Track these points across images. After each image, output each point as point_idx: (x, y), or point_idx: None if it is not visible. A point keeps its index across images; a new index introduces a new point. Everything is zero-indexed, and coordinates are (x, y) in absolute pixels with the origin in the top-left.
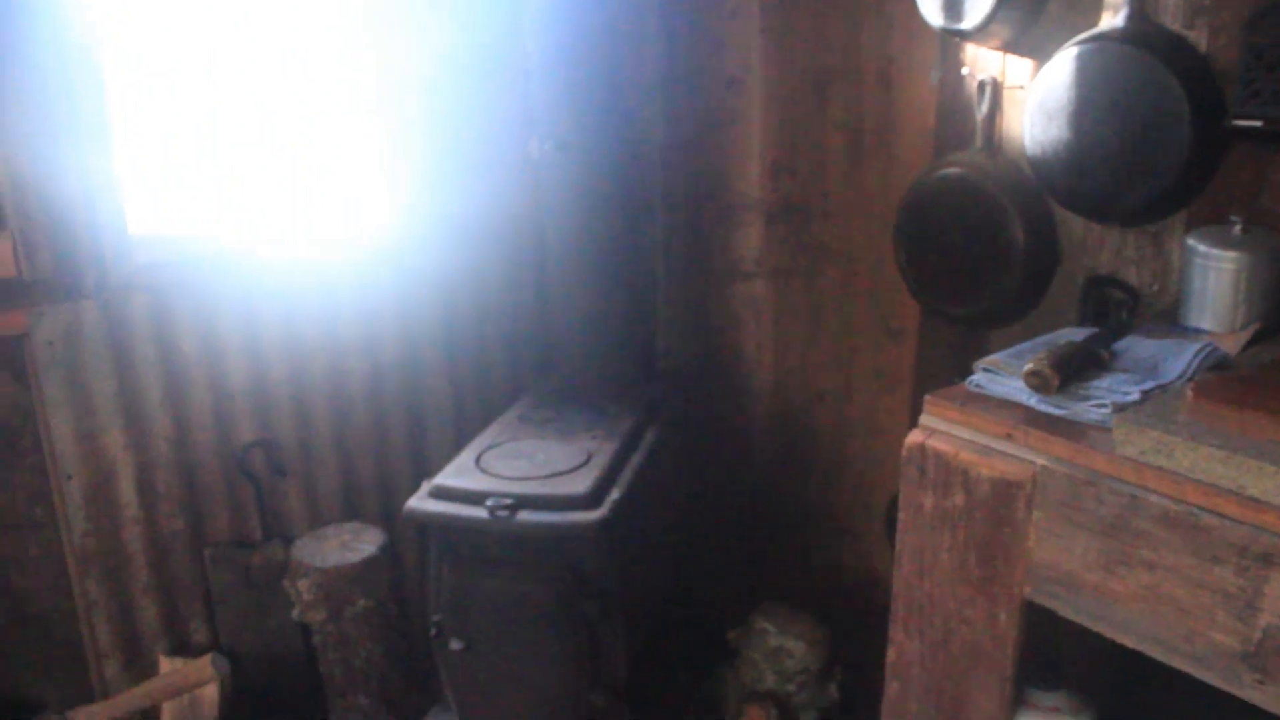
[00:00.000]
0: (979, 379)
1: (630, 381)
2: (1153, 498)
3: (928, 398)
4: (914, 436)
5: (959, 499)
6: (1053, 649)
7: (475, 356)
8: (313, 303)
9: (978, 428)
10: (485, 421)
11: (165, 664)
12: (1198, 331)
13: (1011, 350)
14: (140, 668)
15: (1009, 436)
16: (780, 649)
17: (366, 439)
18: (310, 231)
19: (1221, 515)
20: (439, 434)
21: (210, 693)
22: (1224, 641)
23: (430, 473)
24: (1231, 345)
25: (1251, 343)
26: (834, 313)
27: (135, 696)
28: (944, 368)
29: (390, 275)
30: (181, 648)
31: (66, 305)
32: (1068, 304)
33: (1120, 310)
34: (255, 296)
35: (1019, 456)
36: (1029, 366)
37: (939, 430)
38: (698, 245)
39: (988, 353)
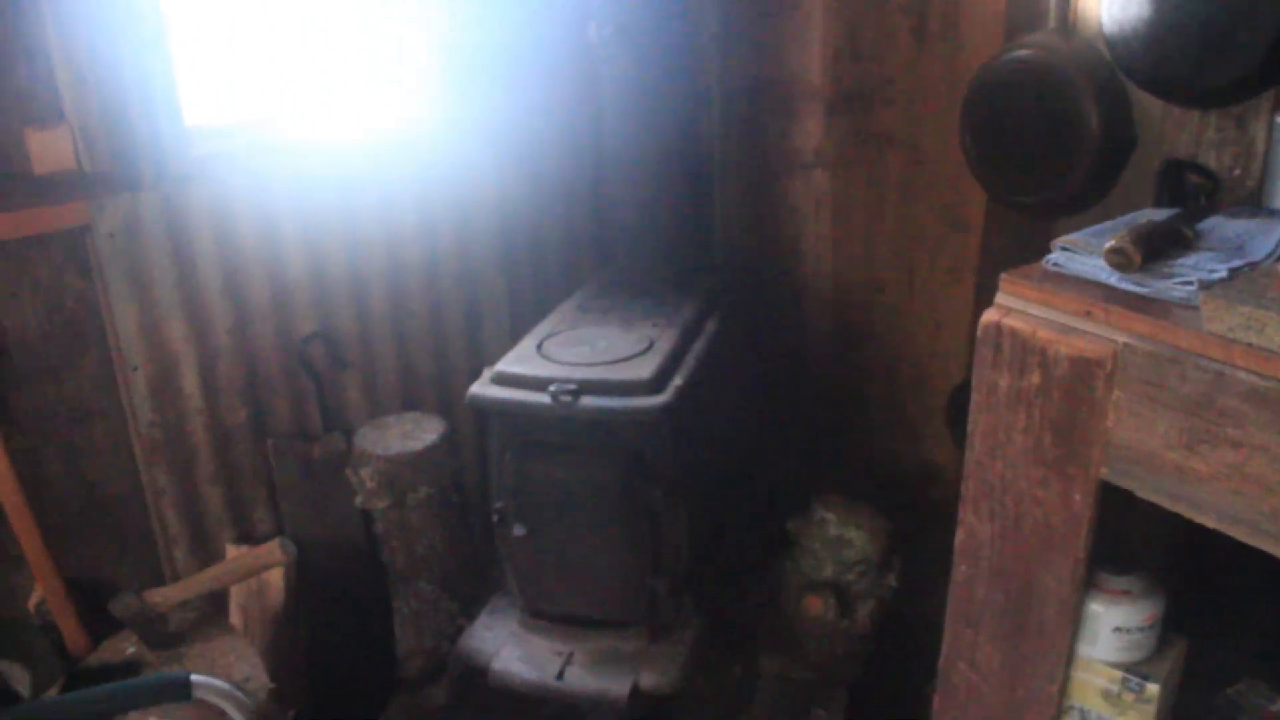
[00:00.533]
0: (1057, 258)
1: (689, 273)
2: (1240, 374)
3: (1004, 276)
4: (989, 315)
5: (1035, 378)
6: (1124, 533)
7: (531, 248)
8: (370, 194)
9: (1056, 306)
10: (541, 314)
11: (231, 551)
12: None
13: (1090, 229)
14: (207, 554)
15: (1089, 314)
16: (840, 538)
17: (424, 331)
18: (366, 121)
19: None
20: (495, 326)
21: (276, 578)
22: None
23: (488, 363)
24: None
25: None
26: (896, 204)
27: (207, 578)
28: (1009, 259)
29: (447, 165)
30: (246, 536)
31: (126, 197)
32: (1142, 190)
33: (1199, 195)
34: (312, 187)
35: (1099, 334)
36: (1110, 243)
37: (1015, 309)
38: (756, 136)
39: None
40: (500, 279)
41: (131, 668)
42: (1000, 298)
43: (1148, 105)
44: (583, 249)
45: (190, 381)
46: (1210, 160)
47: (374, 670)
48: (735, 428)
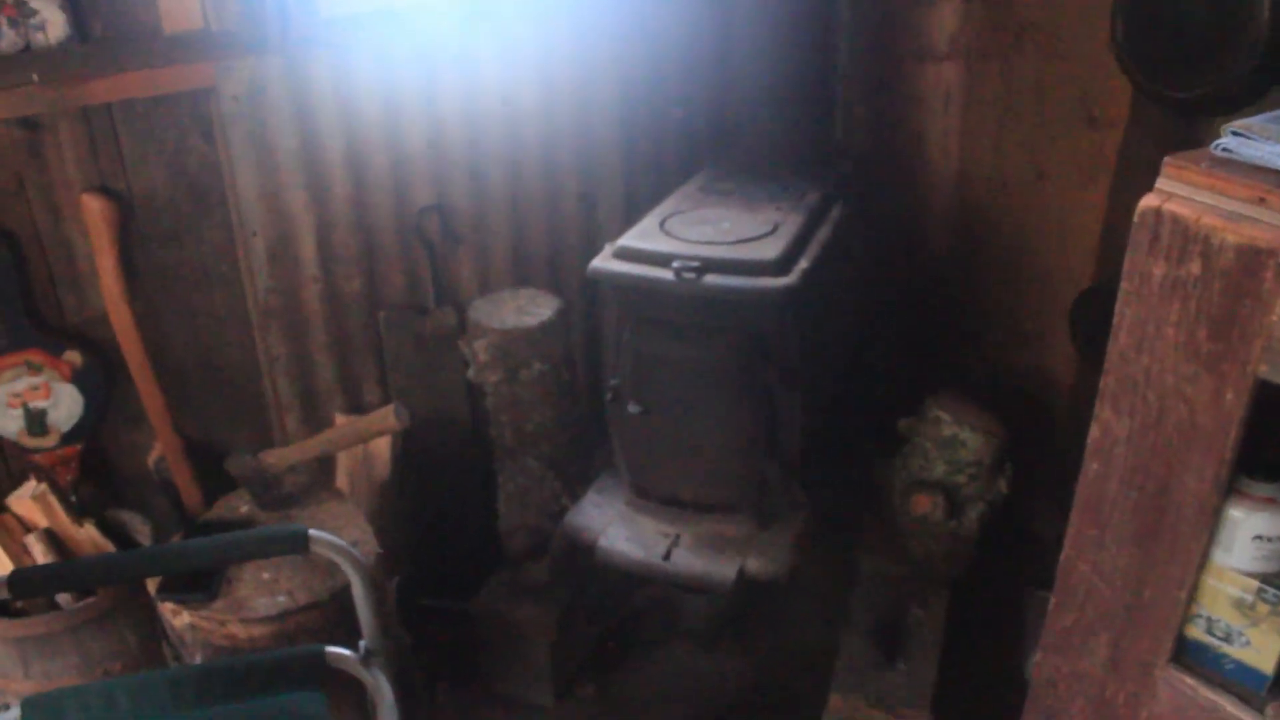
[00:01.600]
0: (1227, 143)
1: (812, 162)
2: None
3: (1167, 159)
4: (1148, 201)
5: (1195, 267)
6: (1271, 440)
7: (649, 132)
8: (491, 67)
9: (1224, 192)
10: (656, 199)
11: (340, 420)
12: None
13: (1268, 115)
14: (318, 423)
15: (1261, 201)
16: (954, 438)
17: (538, 209)
18: None
19: None
20: (609, 209)
21: (383, 449)
22: None
23: (602, 244)
24: None
25: None
26: (1030, 99)
27: (322, 440)
28: (1148, 162)
29: (568, 40)
30: (355, 407)
31: (251, 59)
32: None
33: None
34: (434, 58)
35: (1272, 223)
36: None
37: (1177, 194)
38: (886, 23)
39: (1204, 145)
40: (617, 161)
41: (245, 525)
42: (1161, 182)
43: None
44: (700, 134)
45: (307, 249)
46: None
47: (476, 544)
48: (852, 318)
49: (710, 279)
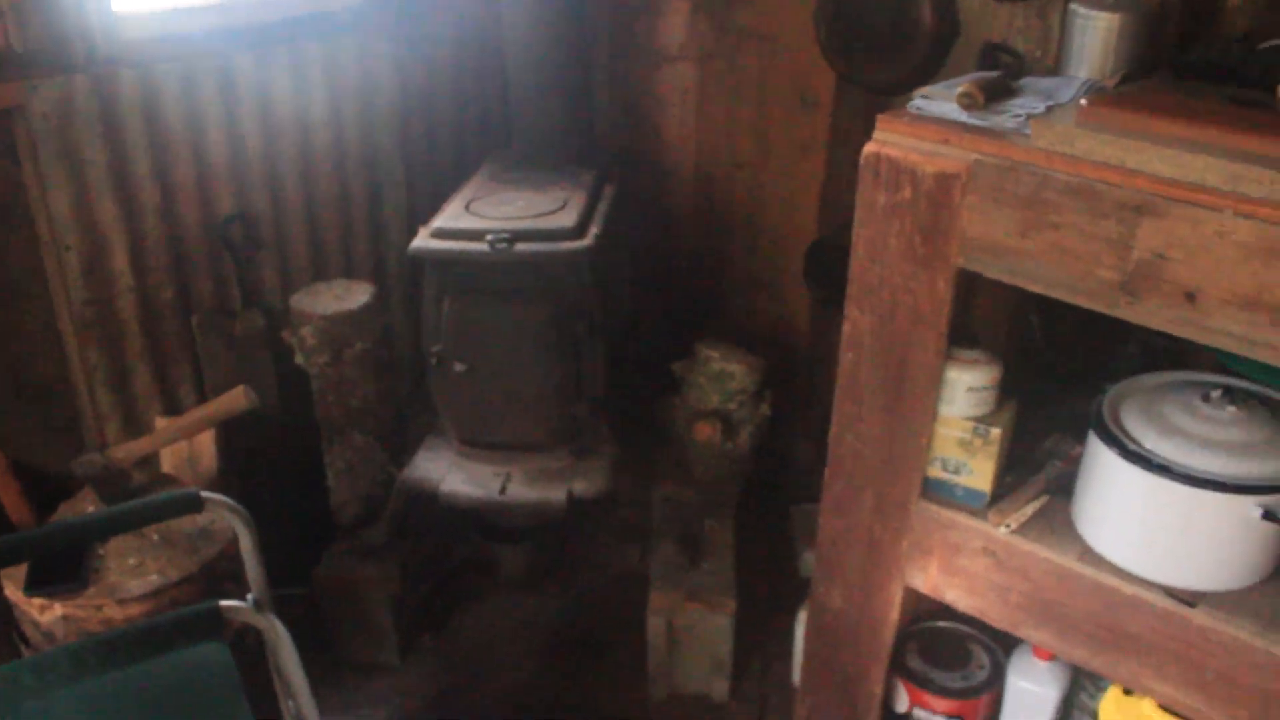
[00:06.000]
0: (918, 104)
1: (581, 151)
2: (1058, 176)
3: (880, 118)
4: (869, 147)
5: (907, 193)
6: (970, 320)
7: (425, 134)
8: (283, 80)
9: (921, 136)
10: (435, 197)
11: (161, 422)
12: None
13: (943, 83)
14: (138, 430)
15: (946, 141)
16: (723, 372)
17: (332, 211)
18: (281, 6)
19: (1108, 183)
20: (394, 206)
21: (208, 443)
22: (1108, 276)
23: (387, 242)
24: (1108, 84)
25: (1119, 85)
26: (754, 89)
27: (173, 429)
28: (853, 134)
29: (352, 50)
30: (173, 410)
31: (58, 79)
32: (965, 69)
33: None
34: (232, 75)
35: (955, 155)
36: (960, 89)
37: (889, 142)
38: (628, 30)
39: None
40: (399, 163)
41: None
42: (877, 134)
43: (968, 1)
44: (470, 135)
45: (120, 261)
46: (1018, 43)
47: (307, 530)
48: (631, 279)
49: (520, 247)
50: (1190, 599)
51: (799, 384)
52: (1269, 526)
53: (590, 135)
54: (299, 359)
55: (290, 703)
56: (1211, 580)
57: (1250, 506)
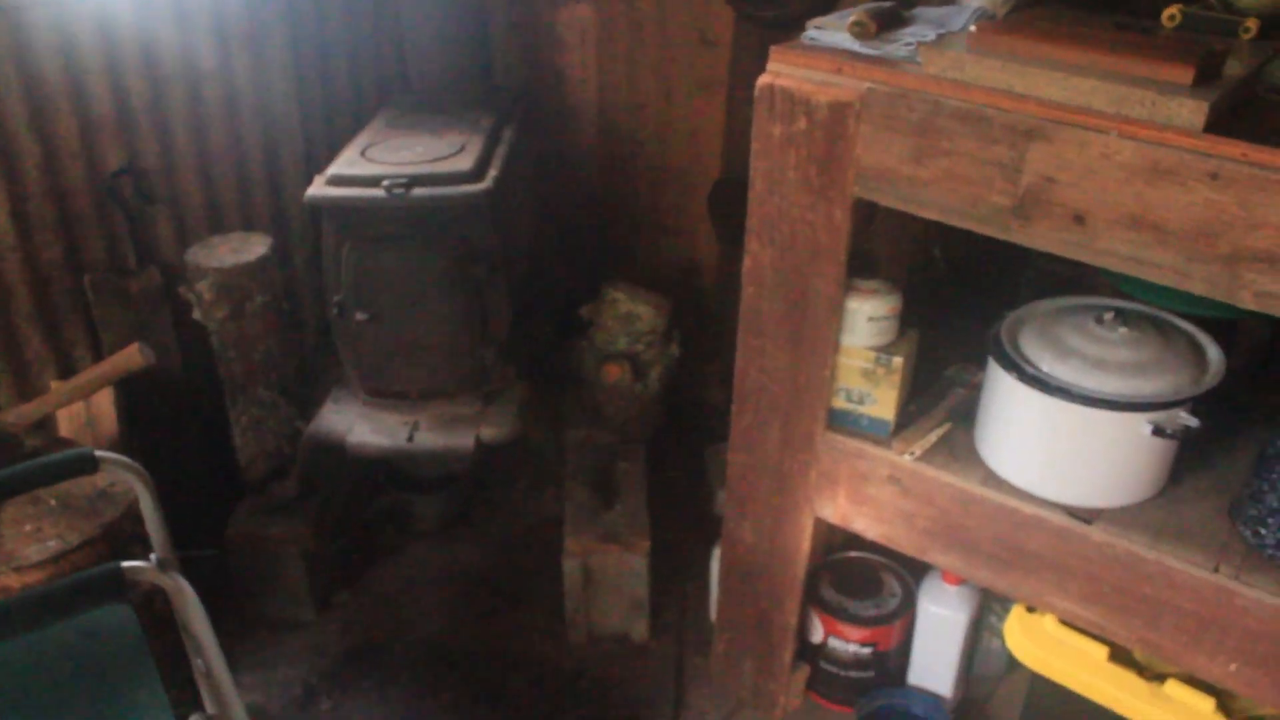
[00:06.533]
0: (811, 34)
1: (479, 95)
2: (949, 102)
3: (773, 49)
4: (764, 79)
5: (802, 123)
6: (870, 252)
7: (321, 82)
8: (168, 30)
9: (814, 67)
10: (332, 145)
11: (56, 386)
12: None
13: (835, 14)
14: (31, 393)
15: (839, 70)
16: (630, 314)
17: (226, 164)
18: None
19: (998, 108)
20: (291, 156)
21: (107, 406)
22: (999, 201)
23: (287, 193)
24: (998, 12)
25: (1009, 12)
26: (655, 29)
27: (66, 390)
28: (753, 73)
29: (240, 1)
30: (68, 372)
31: None
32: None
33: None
34: (113, 23)
35: (848, 85)
36: (852, 18)
37: (783, 73)
38: None
39: None
40: (295, 111)
41: None
42: (771, 66)
43: None
44: (367, 83)
45: (2, 219)
46: None
47: (214, 490)
48: (532, 222)
49: (418, 191)
50: (1088, 516)
51: (710, 324)
52: (1159, 442)
53: (489, 79)
54: (197, 315)
55: (199, 661)
56: (1107, 497)
57: (1141, 423)
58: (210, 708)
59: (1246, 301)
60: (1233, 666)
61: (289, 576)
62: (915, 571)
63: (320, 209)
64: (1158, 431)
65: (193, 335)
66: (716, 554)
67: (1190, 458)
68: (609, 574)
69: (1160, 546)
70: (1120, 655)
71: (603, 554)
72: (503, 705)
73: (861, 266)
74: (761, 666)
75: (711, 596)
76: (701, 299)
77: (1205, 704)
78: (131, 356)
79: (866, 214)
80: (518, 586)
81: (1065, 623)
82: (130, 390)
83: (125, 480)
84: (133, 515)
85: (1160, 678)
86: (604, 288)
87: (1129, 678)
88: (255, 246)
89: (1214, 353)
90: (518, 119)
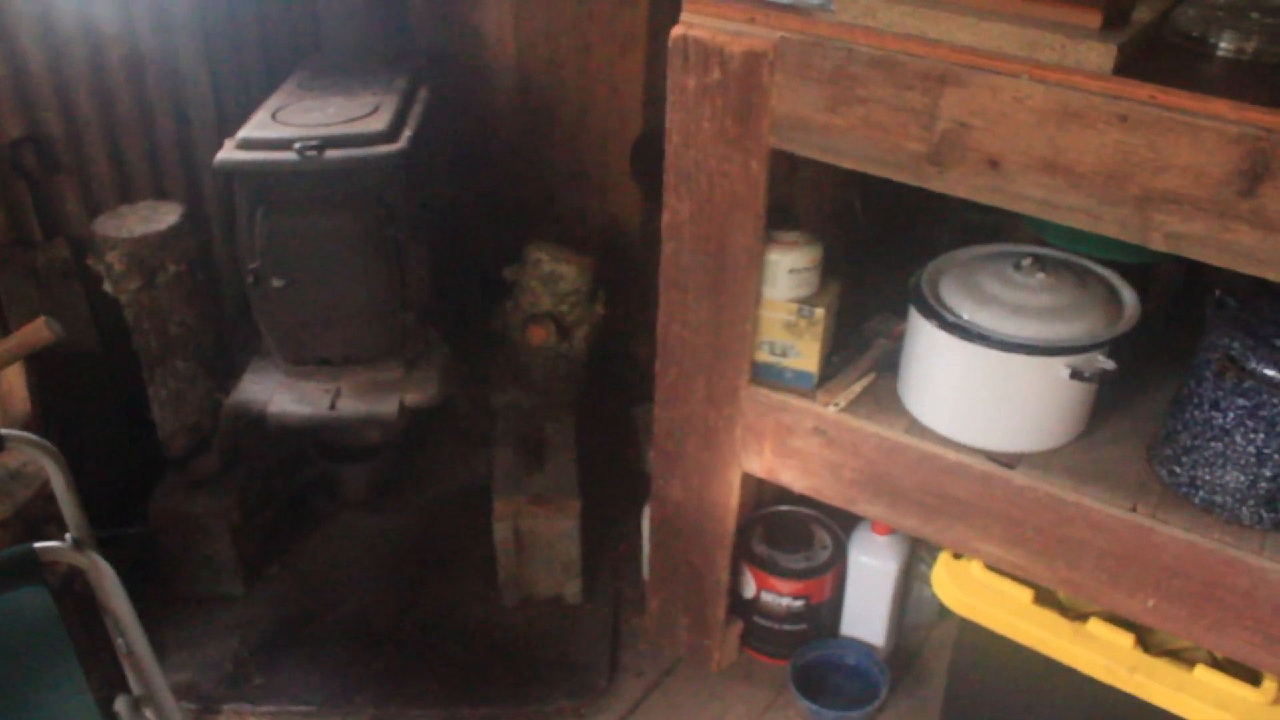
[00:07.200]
0: None
1: (393, 56)
2: (863, 49)
3: (686, 1)
4: (677, 30)
5: (716, 74)
6: (789, 203)
7: (231, 44)
8: None
9: (727, 17)
10: (245, 110)
11: None
12: None
13: None
14: None
15: (753, 20)
16: (553, 274)
17: (134, 132)
18: None
19: (911, 54)
20: (202, 122)
21: (18, 384)
22: (915, 148)
23: (197, 162)
24: None
25: None
26: None
27: None
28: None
29: None
30: None
31: None
32: None
33: None
34: None
35: (762, 34)
36: None
37: (696, 23)
38: None
39: None
40: (204, 75)
41: None
42: (684, 16)
43: None
44: (279, 45)
45: None
46: None
47: (135, 466)
48: (450, 182)
49: (331, 153)
50: (1010, 461)
51: (634, 282)
52: (1078, 386)
53: (404, 38)
54: (108, 287)
55: (121, 641)
56: (1029, 442)
57: (1060, 367)
58: (136, 689)
59: (1157, 243)
60: (1150, 602)
61: (216, 552)
62: (845, 523)
63: (231, 174)
64: (1075, 375)
65: (106, 307)
66: (647, 513)
67: (1109, 401)
68: (540, 537)
69: (1080, 489)
70: (1045, 597)
71: (533, 516)
72: (436, 672)
73: (782, 219)
74: (695, 624)
75: (644, 556)
76: (626, 257)
77: (1125, 639)
78: (39, 331)
79: (787, 165)
80: (449, 552)
81: (991, 567)
82: (45, 367)
83: (37, 460)
84: (46, 495)
85: (1083, 617)
86: (527, 248)
87: (1053, 618)
88: (166, 215)
89: (1129, 297)
90: (434, 79)
